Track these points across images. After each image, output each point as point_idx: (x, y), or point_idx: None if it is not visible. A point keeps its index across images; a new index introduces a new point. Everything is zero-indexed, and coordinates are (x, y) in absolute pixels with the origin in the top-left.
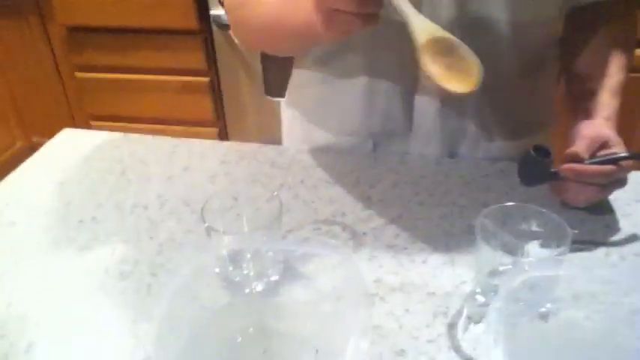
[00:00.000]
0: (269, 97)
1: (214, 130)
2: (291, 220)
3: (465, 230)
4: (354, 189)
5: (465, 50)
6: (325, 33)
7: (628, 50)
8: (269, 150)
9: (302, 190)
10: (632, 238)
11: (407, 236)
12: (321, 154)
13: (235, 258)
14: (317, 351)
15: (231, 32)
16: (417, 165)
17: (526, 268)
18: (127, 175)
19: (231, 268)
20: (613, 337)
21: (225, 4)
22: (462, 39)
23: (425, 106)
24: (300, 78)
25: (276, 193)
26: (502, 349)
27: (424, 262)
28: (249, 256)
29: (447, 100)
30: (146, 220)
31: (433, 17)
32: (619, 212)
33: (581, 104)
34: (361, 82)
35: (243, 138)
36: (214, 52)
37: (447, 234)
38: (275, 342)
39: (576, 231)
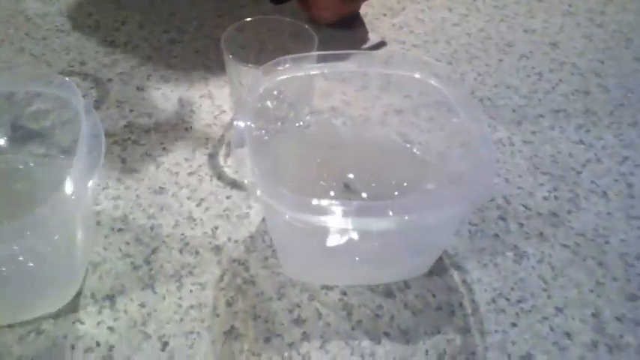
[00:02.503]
0: None
1: None
2: (16, 78)
3: (224, 63)
4: (94, 34)
5: None
6: None
7: None
8: None
9: (28, 44)
10: (379, 45)
11: (159, 76)
12: (53, 1)
13: None
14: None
15: None
16: (164, 3)
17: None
18: None
19: None
20: (365, 133)
21: None
22: None
23: None
24: None
25: None
26: (257, 163)
27: (180, 99)
28: None
29: None
30: None
31: None
32: (368, 26)
33: None
34: None
35: None
36: None
37: (205, 67)
38: (6, 202)
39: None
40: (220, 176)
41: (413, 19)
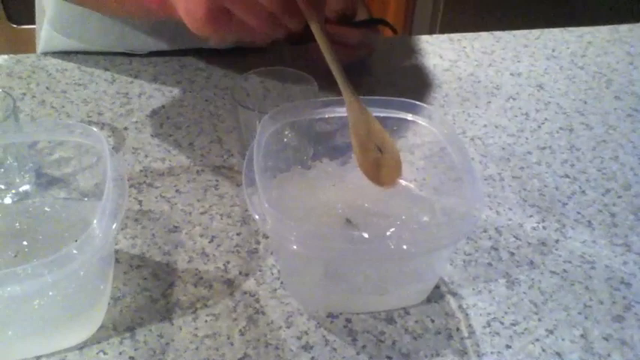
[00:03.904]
0: None
1: None
2: (38, 128)
3: (232, 110)
4: (110, 87)
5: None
6: (198, 30)
7: None
8: (3, 60)
9: (49, 97)
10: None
11: (171, 124)
12: (71, 57)
13: None
14: (76, 240)
15: None
16: (175, 57)
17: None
18: None
19: None
20: None
21: None
22: None
23: None
24: None
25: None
26: (266, 200)
27: (191, 144)
28: None
29: None
30: None
31: None
32: (364, 73)
33: None
34: None
35: None
36: None
37: (214, 114)
38: (29, 243)
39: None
40: (230, 215)
41: (407, 65)
